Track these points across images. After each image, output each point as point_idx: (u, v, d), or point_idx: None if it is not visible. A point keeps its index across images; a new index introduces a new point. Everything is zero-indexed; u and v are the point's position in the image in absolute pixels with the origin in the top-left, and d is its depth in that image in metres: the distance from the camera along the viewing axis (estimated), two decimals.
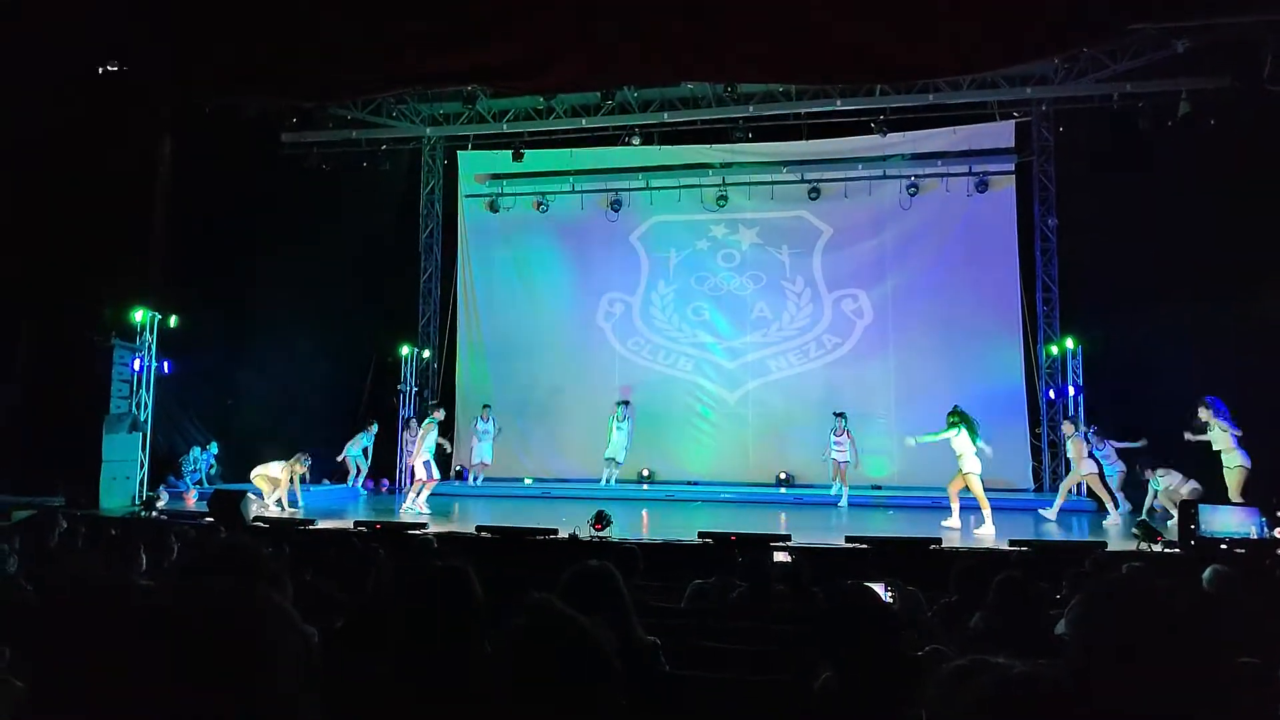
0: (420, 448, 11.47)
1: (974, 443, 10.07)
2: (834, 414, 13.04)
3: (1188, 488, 10.49)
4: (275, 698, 1.12)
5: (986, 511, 9.87)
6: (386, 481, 15.11)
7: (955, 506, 10.28)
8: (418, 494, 11.41)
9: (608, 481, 13.96)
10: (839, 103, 13.26)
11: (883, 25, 8.56)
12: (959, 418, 10.18)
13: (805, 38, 8.75)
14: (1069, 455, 11.54)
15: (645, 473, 14.56)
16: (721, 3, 8.62)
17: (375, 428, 14.42)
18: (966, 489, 10.12)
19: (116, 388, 11.88)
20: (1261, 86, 10.80)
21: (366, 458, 14.43)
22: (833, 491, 12.81)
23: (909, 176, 14.26)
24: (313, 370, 14.62)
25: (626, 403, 14.32)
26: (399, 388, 15.27)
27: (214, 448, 14.16)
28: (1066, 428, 11.68)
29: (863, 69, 10.07)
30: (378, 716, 2.13)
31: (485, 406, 14.62)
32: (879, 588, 4.02)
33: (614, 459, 13.97)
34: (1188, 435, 10.24)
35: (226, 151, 13.33)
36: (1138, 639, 1.93)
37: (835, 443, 12.80)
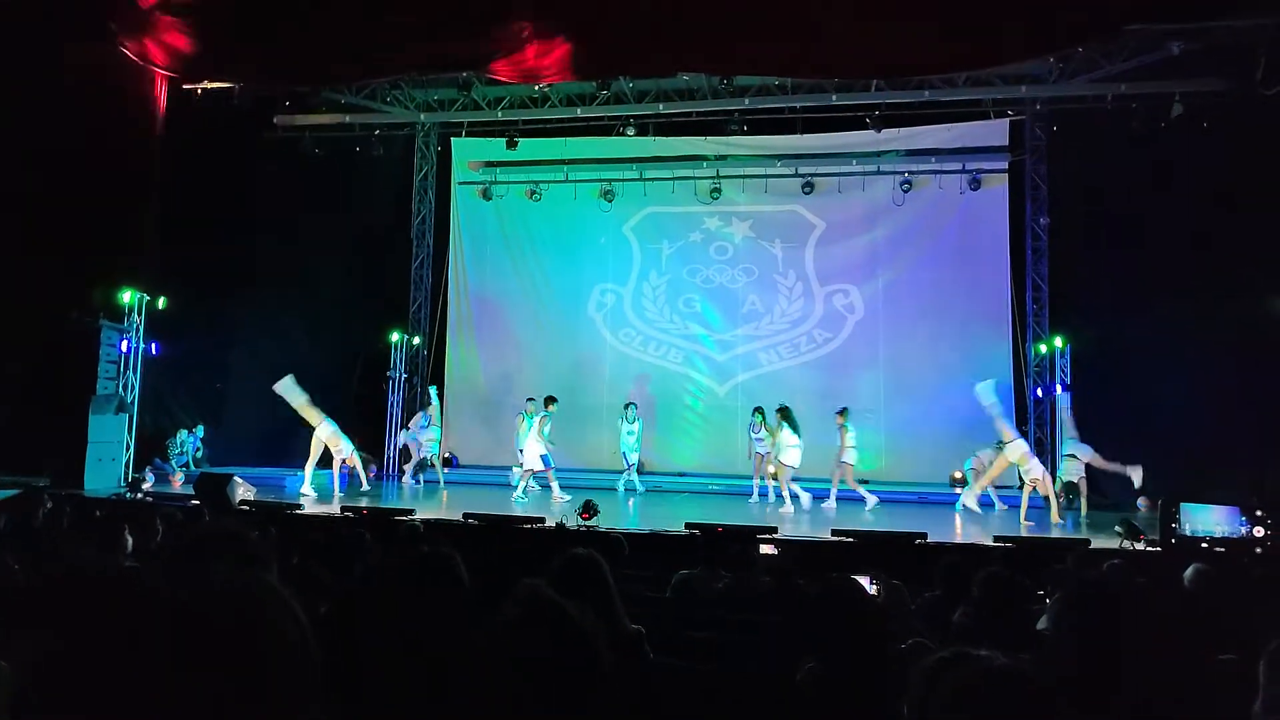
0: (533, 438, 12.03)
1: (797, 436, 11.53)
2: (754, 410, 12.59)
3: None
4: (277, 688, 1.12)
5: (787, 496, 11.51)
6: (374, 468, 15.07)
7: (786, 494, 11.61)
8: (527, 483, 12.07)
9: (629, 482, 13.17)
10: (834, 97, 13.27)
11: (879, 22, 8.57)
12: (786, 415, 11.69)
13: (803, 32, 8.76)
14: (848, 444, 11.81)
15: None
16: None
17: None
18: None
19: (104, 369, 11.84)
20: (1255, 89, 10.85)
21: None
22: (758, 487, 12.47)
23: (903, 173, 14.26)
24: (302, 354, 14.57)
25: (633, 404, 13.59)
26: (389, 374, 15.25)
27: (200, 430, 14.11)
28: (839, 419, 11.92)
29: (858, 64, 10.10)
30: (363, 702, 2.14)
31: (529, 400, 13.13)
32: (864, 581, 4.04)
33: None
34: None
35: (219, 134, 13.26)
36: (1115, 635, 1.96)
37: (755, 439, 12.40)
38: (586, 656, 1.54)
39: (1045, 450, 13.80)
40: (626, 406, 13.09)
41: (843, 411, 12.01)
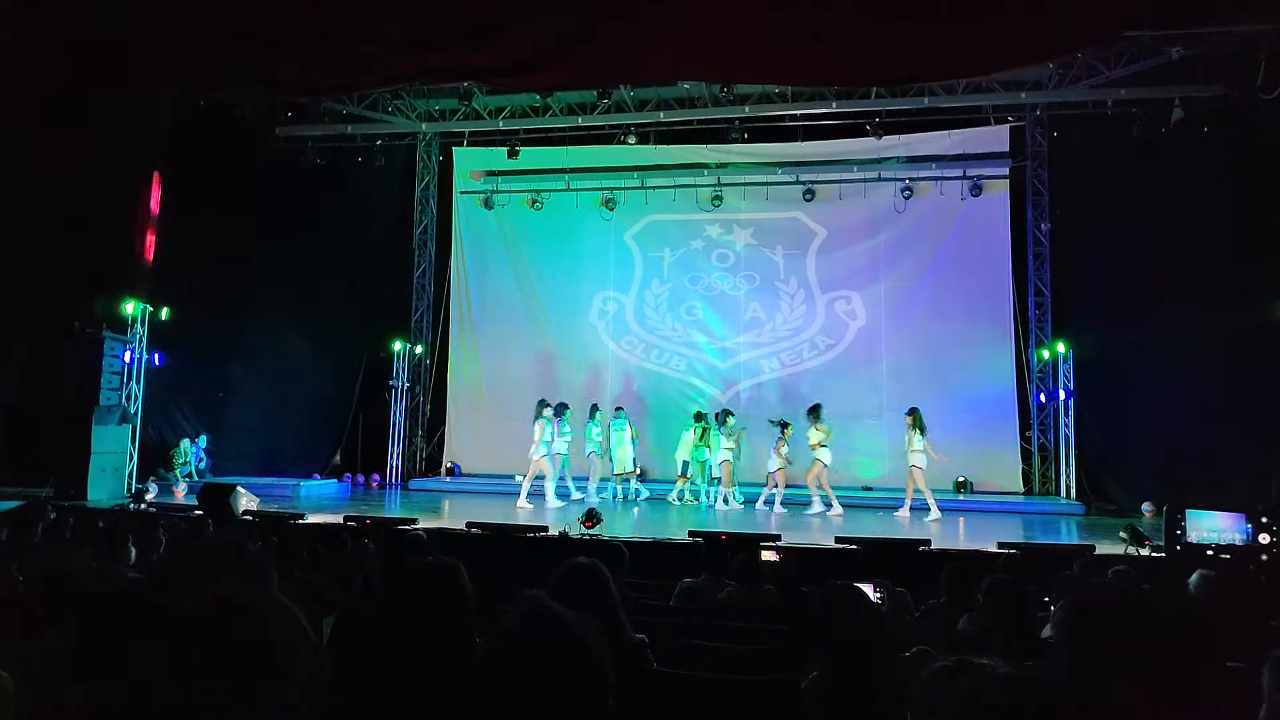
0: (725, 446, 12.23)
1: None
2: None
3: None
4: (285, 704, 1.11)
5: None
6: (377, 477, 15.09)
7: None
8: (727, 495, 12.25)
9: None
10: (834, 105, 13.30)
11: (878, 28, 8.57)
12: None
13: (802, 39, 8.75)
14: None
15: (637, 471, 14.55)
16: (719, 2, 8.61)
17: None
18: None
19: (107, 379, 11.84)
20: (1255, 94, 10.86)
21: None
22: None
23: (903, 179, 14.29)
24: (304, 364, 14.60)
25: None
26: (391, 383, 15.27)
27: (203, 440, 14.11)
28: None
29: (858, 72, 10.08)
30: (367, 713, 2.13)
31: (704, 414, 13.18)
32: (868, 588, 4.03)
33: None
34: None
35: (221, 144, 13.30)
36: (1122, 642, 1.95)
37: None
38: (589, 667, 1.53)
39: (1049, 456, 13.80)
40: (720, 414, 12.84)
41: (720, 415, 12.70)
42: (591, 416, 13.21)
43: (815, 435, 11.72)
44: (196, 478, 13.36)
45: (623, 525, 10.26)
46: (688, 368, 15.29)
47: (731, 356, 15.14)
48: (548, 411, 12.22)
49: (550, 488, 12.25)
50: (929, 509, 11.19)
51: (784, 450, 12.04)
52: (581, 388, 15.16)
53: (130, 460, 12.22)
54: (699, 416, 12.95)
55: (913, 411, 11.60)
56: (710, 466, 12.60)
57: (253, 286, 14.40)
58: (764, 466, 12.29)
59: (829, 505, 11.55)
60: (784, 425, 12.23)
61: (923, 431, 11.39)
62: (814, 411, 11.89)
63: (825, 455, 11.62)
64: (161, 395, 13.54)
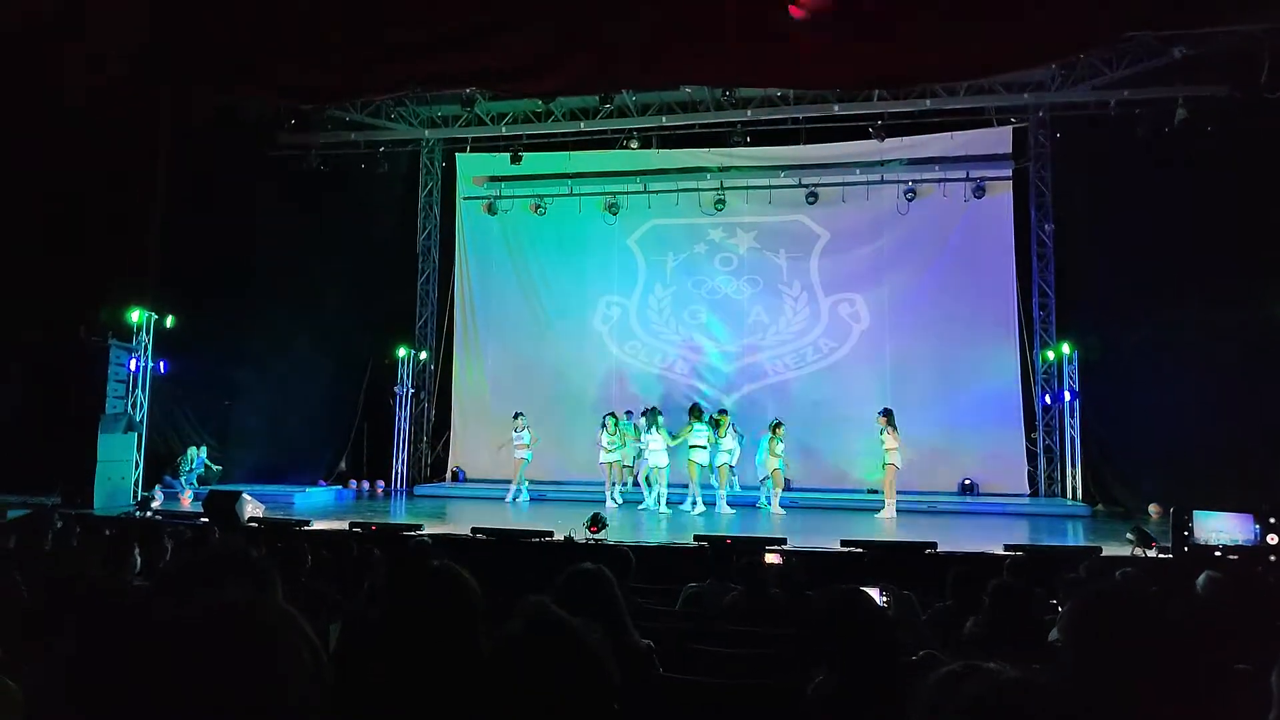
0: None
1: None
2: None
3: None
4: (283, 712, 1.11)
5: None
6: (383, 483, 15.10)
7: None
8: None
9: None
10: (837, 108, 13.31)
11: (881, 31, 8.58)
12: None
13: (805, 43, 8.76)
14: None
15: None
16: (721, 7, 8.62)
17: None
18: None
19: (112, 388, 11.85)
20: (1258, 93, 10.83)
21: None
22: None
23: (906, 181, 14.28)
24: (309, 371, 14.62)
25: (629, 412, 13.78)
26: (395, 389, 15.28)
27: (204, 450, 14.08)
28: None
29: (861, 74, 10.10)
30: (374, 719, 2.13)
31: (628, 413, 13.23)
32: (874, 592, 4.02)
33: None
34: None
35: (224, 152, 13.34)
36: (1129, 644, 1.94)
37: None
38: (593, 672, 1.53)
39: (1054, 458, 13.77)
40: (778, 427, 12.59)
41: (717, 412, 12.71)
42: (605, 425, 13.09)
43: (686, 434, 12.09)
44: (198, 485, 13.37)
45: (631, 530, 10.26)
46: (691, 372, 15.29)
47: (735, 360, 15.13)
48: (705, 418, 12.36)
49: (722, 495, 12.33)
50: (884, 506, 11.58)
51: (779, 449, 12.25)
52: (585, 393, 15.16)
53: (136, 468, 12.25)
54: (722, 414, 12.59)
55: (886, 412, 11.84)
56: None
57: (258, 294, 14.44)
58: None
59: (695, 503, 11.91)
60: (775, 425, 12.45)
61: (895, 430, 11.66)
62: (692, 411, 12.16)
63: (700, 456, 11.96)
64: (167, 402, 13.57)
